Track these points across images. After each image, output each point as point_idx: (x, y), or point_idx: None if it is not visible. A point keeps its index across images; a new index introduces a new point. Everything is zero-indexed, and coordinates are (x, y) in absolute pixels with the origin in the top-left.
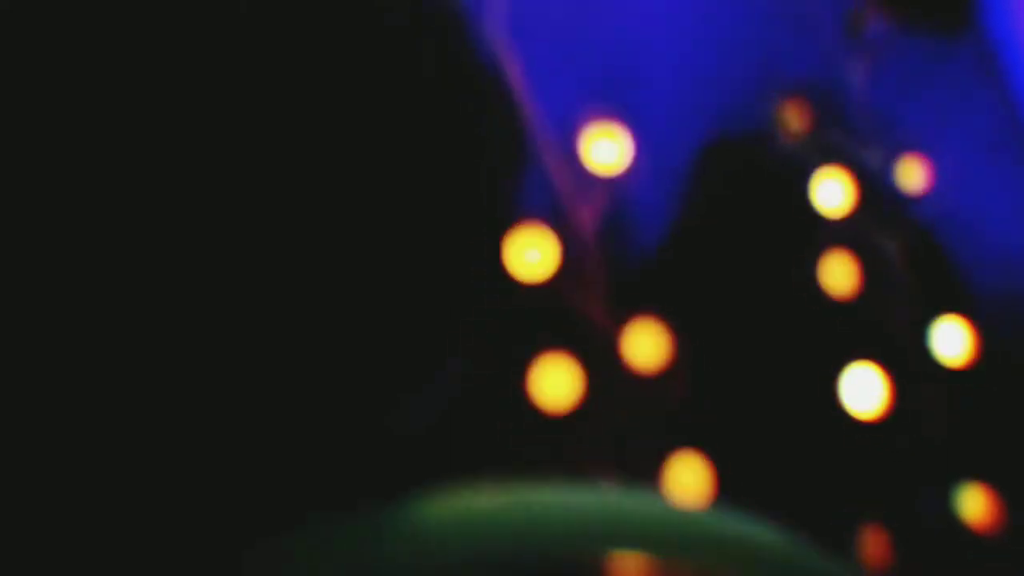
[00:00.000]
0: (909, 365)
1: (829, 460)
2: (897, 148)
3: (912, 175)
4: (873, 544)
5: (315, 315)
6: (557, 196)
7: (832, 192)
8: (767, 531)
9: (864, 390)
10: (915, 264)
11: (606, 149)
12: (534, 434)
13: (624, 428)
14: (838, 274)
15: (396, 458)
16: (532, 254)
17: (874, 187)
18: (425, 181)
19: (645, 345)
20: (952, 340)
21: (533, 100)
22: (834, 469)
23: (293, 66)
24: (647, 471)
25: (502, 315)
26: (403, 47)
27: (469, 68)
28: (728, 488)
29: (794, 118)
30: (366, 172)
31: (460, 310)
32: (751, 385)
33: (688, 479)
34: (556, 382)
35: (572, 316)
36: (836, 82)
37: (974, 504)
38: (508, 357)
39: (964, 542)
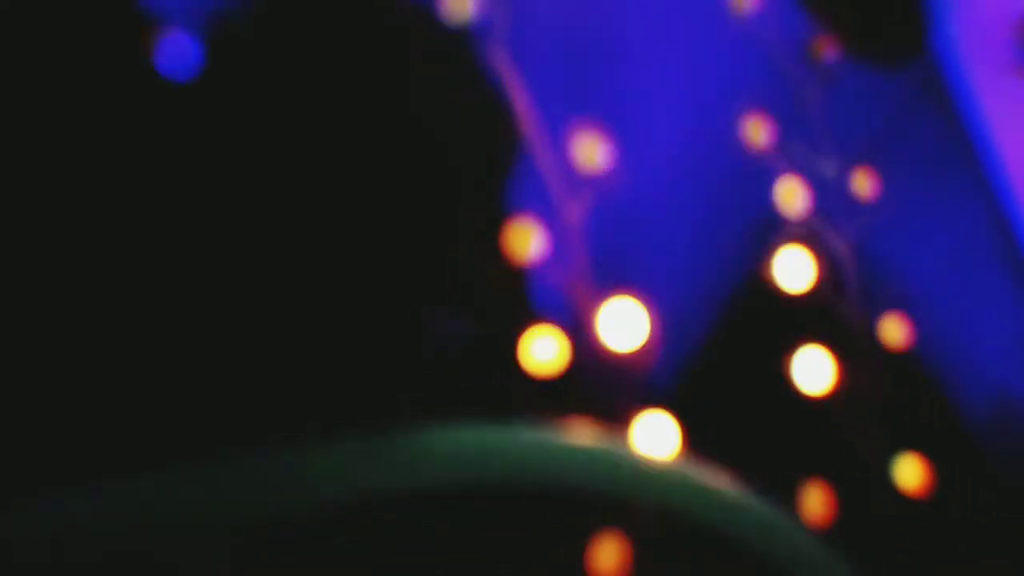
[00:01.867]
0: (855, 348)
1: (783, 429)
2: (850, 160)
3: (862, 184)
4: (817, 500)
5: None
6: (548, 192)
7: (792, 196)
8: (720, 482)
9: (814, 369)
10: (860, 260)
11: (593, 150)
12: (522, 393)
13: (603, 391)
14: (795, 267)
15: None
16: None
17: (828, 193)
18: (444, 176)
19: (623, 322)
20: (892, 330)
21: (531, 110)
22: (787, 436)
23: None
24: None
25: (500, 288)
26: (427, 73)
27: (479, 87)
28: (693, 447)
29: (758, 132)
30: (401, 169)
31: (465, 277)
32: (719, 360)
33: (658, 436)
34: (544, 350)
35: (562, 294)
36: (797, 102)
37: (909, 472)
38: (503, 325)
39: (899, 504)
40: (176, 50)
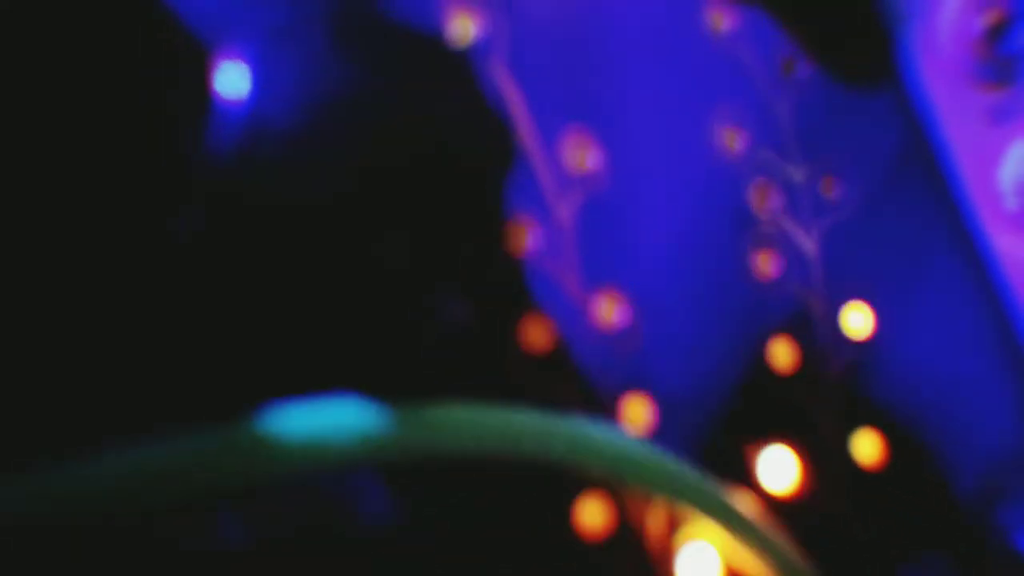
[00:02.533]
0: (819, 336)
1: (753, 407)
2: (817, 165)
3: (828, 188)
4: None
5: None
6: (542, 193)
7: (763, 198)
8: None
9: (782, 352)
10: (826, 258)
11: (583, 155)
12: (518, 371)
13: (590, 373)
14: (764, 263)
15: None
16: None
17: (796, 197)
18: (450, 176)
19: (607, 309)
20: (857, 320)
21: (527, 120)
22: (756, 412)
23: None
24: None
25: (499, 277)
26: (439, 87)
27: (482, 99)
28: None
29: (733, 140)
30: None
31: (468, 264)
32: (695, 346)
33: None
34: (538, 334)
35: (554, 284)
36: (769, 112)
37: (866, 445)
38: (502, 310)
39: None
40: (232, 74)
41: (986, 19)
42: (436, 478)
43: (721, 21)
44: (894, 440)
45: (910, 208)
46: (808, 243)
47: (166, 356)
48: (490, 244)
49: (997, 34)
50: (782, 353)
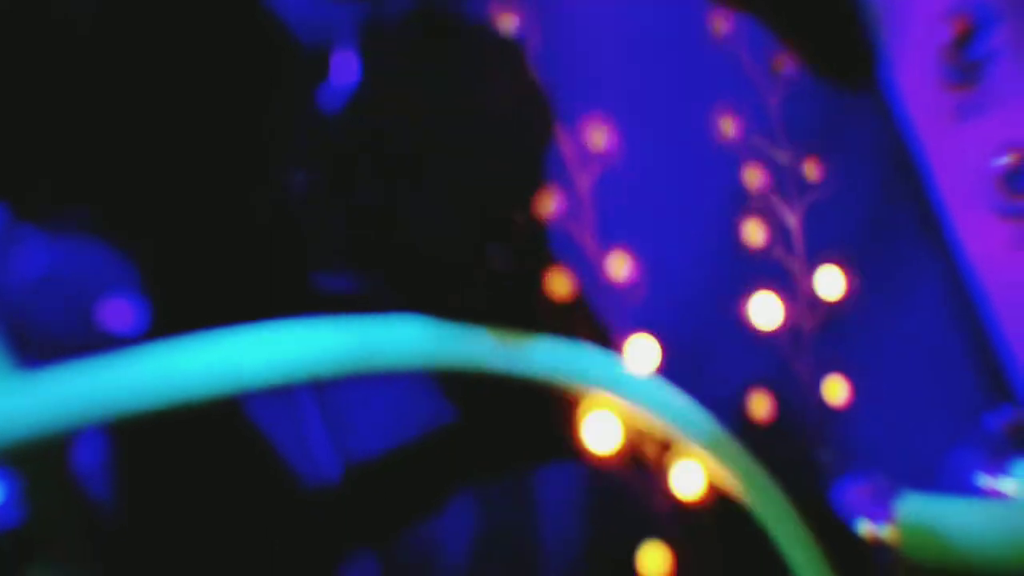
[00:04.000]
0: (798, 295)
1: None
2: (801, 150)
3: (811, 170)
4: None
5: None
6: (566, 166)
7: (753, 177)
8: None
9: (766, 309)
10: (807, 231)
11: (600, 135)
12: (544, 314)
13: (602, 317)
14: (754, 232)
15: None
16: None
17: (782, 177)
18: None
19: (618, 265)
20: (831, 280)
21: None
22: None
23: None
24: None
25: (530, 235)
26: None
27: (529, 85)
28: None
29: (728, 126)
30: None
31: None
32: (693, 298)
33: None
34: (560, 283)
35: (574, 243)
36: (760, 103)
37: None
38: (533, 262)
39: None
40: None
41: (954, 26)
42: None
43: (721, 24)
44: (859, 389)
45: (883, 190)
46: (791, 217)
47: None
48: (525, 208)
49: (964, 40)
50: (765, 310)
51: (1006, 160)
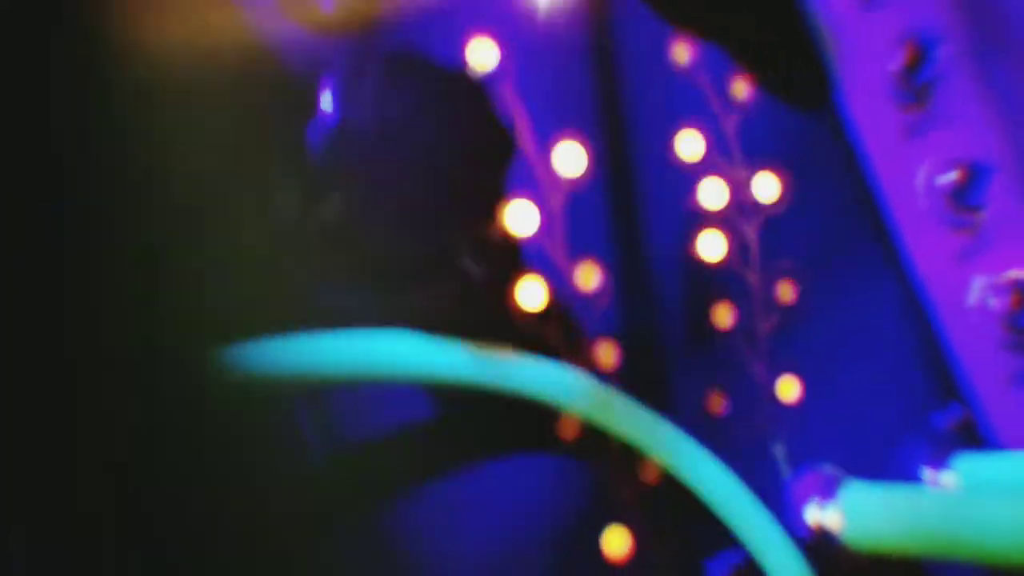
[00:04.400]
0: (754, 304)
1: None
2: (757, 164)
3: (768, 187)
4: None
5: None
6: (538, 186)
7: (713, 193)
8: None
9: (723, 317)
10: (763, 245)
11: (571, 155)
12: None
13: (573, 326)
14: (713, 247)
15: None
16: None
17: (741, 192)
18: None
19: (588, 278)
20: (786, 288)
21: (528, 126)
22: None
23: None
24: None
25: (503, 248)
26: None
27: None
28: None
29: (692, 146)
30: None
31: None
32: (657, 306)
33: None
34: (532, 294)
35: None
36: (720, 124)
37: (786, 389)
38: (505, 273)
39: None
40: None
41: (903, 51)
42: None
43: (683, 52)
44: (812, 388)
45: (839, 206)
46: (749, 230)
47: None
48: (499, 224)
49: (914, 64)
50: (723, 315)
51: (953, 176)
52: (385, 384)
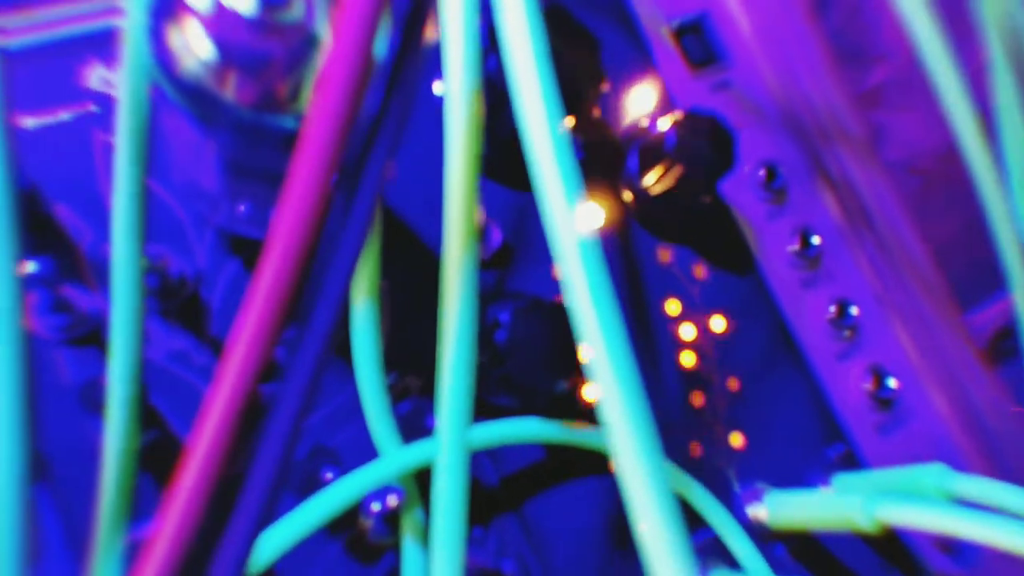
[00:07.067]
0: (716, 391)
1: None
2: (713, 311)
3: (721, 323)
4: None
5: None
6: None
7: (687, 331)
8: None
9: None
10: (719, 357)
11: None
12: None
13: None
14: (689, 360)
15: None
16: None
17: (705, 328)
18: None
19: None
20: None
21: None
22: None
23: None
24: None
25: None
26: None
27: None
28: None
29: (673, 306)
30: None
31: None
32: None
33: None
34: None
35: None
36: (688, 293)
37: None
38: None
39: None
40: None
41: (798, 238)
42: None
43: (666, 255)
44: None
45: (765, 332)
46: (710, 350)
47: None
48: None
49: (805, 245)
50: (697, 398)
51: (833, 309)
52: None
